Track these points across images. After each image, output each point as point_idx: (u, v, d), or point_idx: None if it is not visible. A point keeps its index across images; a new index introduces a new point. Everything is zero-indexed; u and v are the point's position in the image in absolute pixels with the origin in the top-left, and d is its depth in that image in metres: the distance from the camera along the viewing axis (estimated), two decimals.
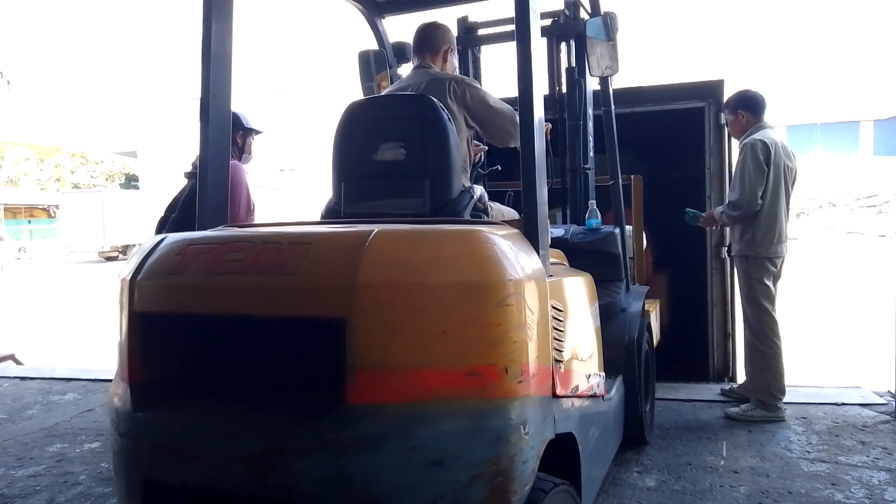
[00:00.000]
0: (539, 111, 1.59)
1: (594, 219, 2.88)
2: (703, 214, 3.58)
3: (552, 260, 1.90)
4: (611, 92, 3.01)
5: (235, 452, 1.26)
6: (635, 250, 3.71)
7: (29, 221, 33.13)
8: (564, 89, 3.12)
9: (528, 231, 1.55)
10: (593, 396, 1.93)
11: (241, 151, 3.30)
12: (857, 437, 2.98)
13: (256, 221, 3.21)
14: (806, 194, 21.96)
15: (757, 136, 3.28)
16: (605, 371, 2.18)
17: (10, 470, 2.90)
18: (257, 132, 3.37)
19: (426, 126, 1.92)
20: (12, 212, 34.18)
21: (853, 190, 22.25)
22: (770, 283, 3.29)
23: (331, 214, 2.08)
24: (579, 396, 1.75)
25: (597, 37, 2.58)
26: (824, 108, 25.08)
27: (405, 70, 2.98)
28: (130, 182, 38.02)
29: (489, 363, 1.26)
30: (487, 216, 2.10)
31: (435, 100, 1.96)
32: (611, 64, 2.62)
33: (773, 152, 3.22)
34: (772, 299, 3.30)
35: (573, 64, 3.01)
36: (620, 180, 3.03)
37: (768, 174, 3.22)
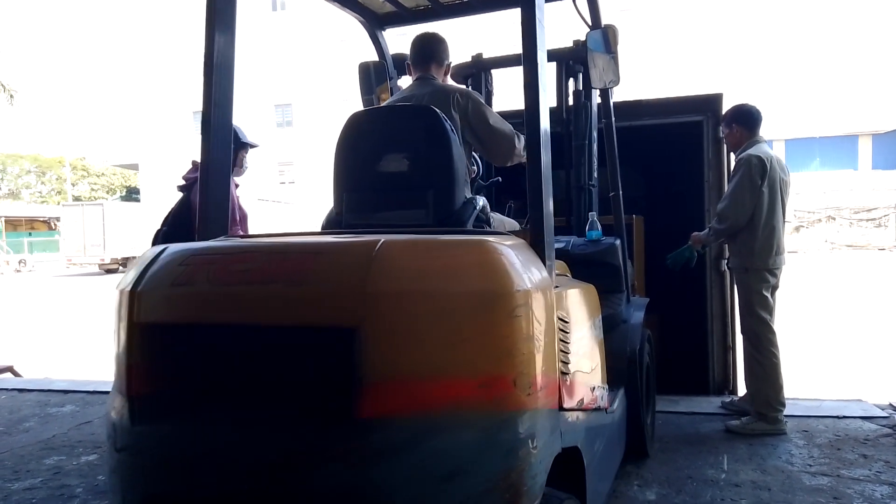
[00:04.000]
0: (545, 126, 1.60)
1: (595, 230, 2.86)
2: (686, 254, 3.53)
3: (556, 271, 1.88)
4: (611, 104, 3.04)
5: (242, 466, 1.24)
6: (637, 282, 3.73)
7: (30, 234, 33.18)
8: (571, 108, 3.20)
9: (535, 242, 1.53)
10: (597, 409, 1.91)
11: (233, 164, 3.33)
12: (858, 450, 2.97)
13: (252, 233, 3.23)
14: (805, 208, 22.00)
15: (752, 150, 3.31)
16: (607, 383, 2.17)
17: (6, 483, 2.88)
18: (252, 146, 3.41)
19: (430, 137, 1.91)
20: (13, 224, 34.25)
21: (852, 204, 22.29)
22: (768, 295, 3.30)
23: (332, 225, 2.06)
24: (584, 409, 1.73)
25: (597, 50, 2.59)
26: (823, 122, 25.21)
27: (405, 82, 2.92)
28: (132, 194, 38.13)
29: (499, 375, 1.24)
30: (490, 227, 2.09)
31: (439, 111, 1.95)
32: (611, 77, 2.63)
33: (769, 167, 3.25)
34: (770, 310, 3.30)
35: (580, 87, 3.10)
36: (621, 192, 3.03)
37: (764, 188, 3.24)
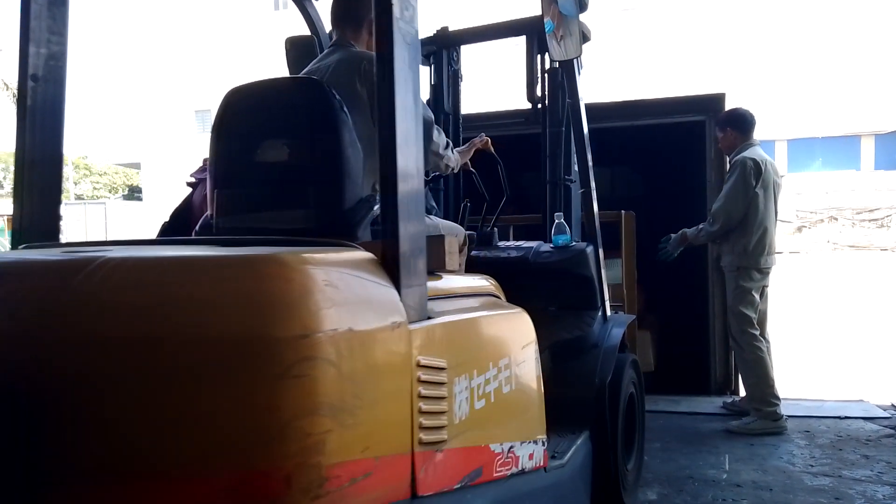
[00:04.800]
0: (409, 85, 1.14)
1: (562, 235, 2.47)
2: (672, 241, 3.61)
3: (476, 289, 1.54)
4: (577, 81, 2.48)
5: None
6: (626, 285, 3.51)
7: None
8: (544, 90, 2.74)
9: (388, 258, 1.07)
10: (521, 473, 1.46)
11: None
12: (860, 450, 2.97)
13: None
14: (807, 208, 21.97)
15: (747, 153, 3.38)
16: (567, 426, 1.91)
17: None
18: None
19: (312, 118, 1.53)
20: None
21: (854, 204, 22.26)
22: (756, 295, 3.37)
23: (204, 231, 1.65)
24: (484, 482, 1.27)
25: (569, 14, 2.15)
26: (825, 122, 25.18)
27: None
28: (134, 194, 38.20)
29: (261, 469, 0.82)
30: None
31: (327, 85, 1.58)
32: (574, 44, 2.18)
33: (763, 169, 3.34)
34: (755, 309, 3.37)
35: (556, 64, 2.62)
36: (593, 187, 2.58)
37: (758, 190, 3.32)
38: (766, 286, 3.46)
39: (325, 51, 1.99)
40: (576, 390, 1.99)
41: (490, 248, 2.50)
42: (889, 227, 21.18)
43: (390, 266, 1.07)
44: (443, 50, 2.86)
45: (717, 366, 4.10)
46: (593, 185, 2.56)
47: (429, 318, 1.13)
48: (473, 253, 2.34)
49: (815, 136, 25.73)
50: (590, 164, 2.58)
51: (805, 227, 22.28)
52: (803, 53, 24.60)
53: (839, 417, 3.44)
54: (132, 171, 39.10)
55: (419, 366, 1.05)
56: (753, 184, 3.30)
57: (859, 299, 9.54)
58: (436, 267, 1.29)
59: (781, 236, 19.08)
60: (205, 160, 3.33)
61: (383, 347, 0.99)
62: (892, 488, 2.55)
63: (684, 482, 2.66)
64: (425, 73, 2.87)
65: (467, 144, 2.38)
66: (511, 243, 2.60)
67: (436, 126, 1.89)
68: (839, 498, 2.47)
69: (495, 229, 2.57)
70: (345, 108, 1.56)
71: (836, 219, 22.41)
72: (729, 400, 3.76)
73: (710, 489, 2.58)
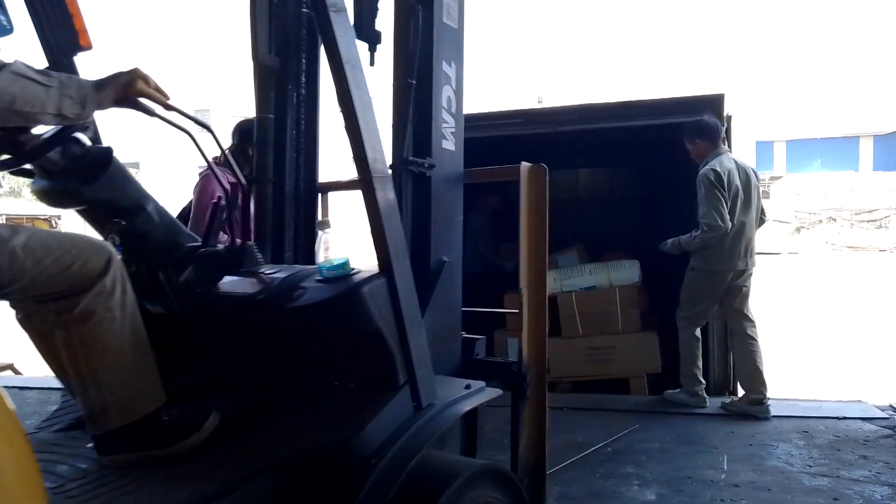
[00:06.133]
0: None
1: (339, 260, 1.43)
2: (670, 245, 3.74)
3: None
4: None
5: None
6: (526, 282, 1.80)
7: None
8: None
9: None
10: None
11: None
12: (858, 451, 2.97)
13: None
14: (806, 209, 22.01)
15: (710, 165, 3.48)
16: None
17: None
18: None
19: None
20: (14, 222, 34.31)
21: (853, 205, 22.29)
22: (709, 292, 3.50)
23: None
24: None
25: None
26: (824, 123, 25.23)
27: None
28: None
29: None
30: None
31: None
32: None
33: (725, 178, 3.43)
34: (697, 303, 3.54)
35: None
36: (379, 179, 1.40)
37: (725, 196, 3.42)
38: (744, 286, 3.54)
39: None
40: None
41: (239, 275, 1.53)
42: (887, 228, 21.21)
43: None
44: None
45: (715, 367, 4.10)
46: (375, 174, 1.40)
47: None
48: (219, 288, 1.51)
49: (813, 137, 25.77)
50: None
51: (803, 227, 22.30)
52: (802, 54, 24.65)
53: (837, 418, 3.44)
54: (131, 171, 39.14)
55: None
56: (721, 190, 3.41)
57: (857, 300, 9.55)
58: None
59: (780, 237, 19.08)
60: (215, 157, 3.27)
61: None
62: (889, 488, 2.56)
63: (682, 482, 2.66)
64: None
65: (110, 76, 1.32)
66: (275, 269, 1.56)
67: None
68: (837, 498, 2.48)
69: (250, 244, 1.56)
70: None
71: (834, 219, 22.43)
72: (727, 400, 3.76)
73: (708, 489, 2.59)
